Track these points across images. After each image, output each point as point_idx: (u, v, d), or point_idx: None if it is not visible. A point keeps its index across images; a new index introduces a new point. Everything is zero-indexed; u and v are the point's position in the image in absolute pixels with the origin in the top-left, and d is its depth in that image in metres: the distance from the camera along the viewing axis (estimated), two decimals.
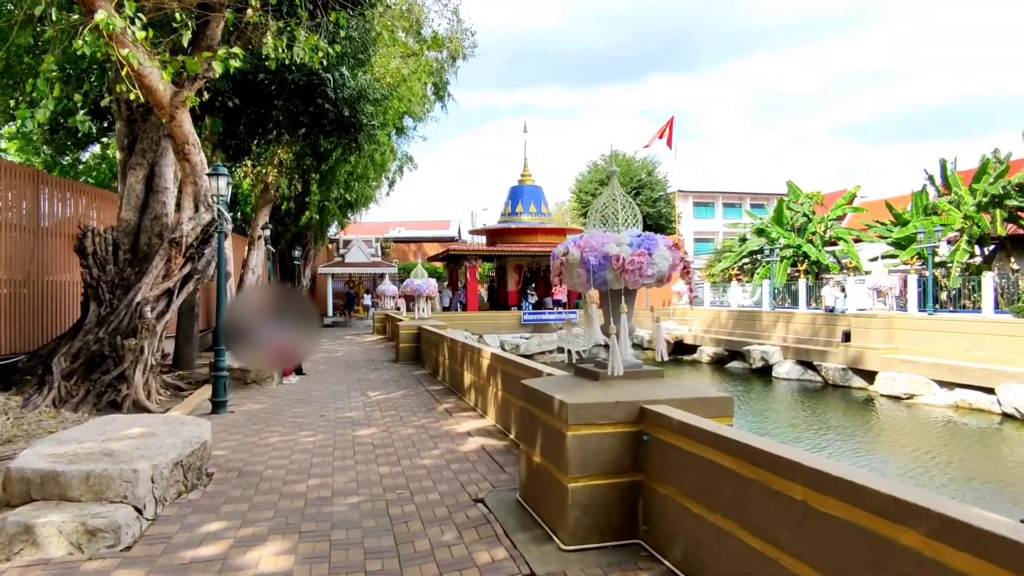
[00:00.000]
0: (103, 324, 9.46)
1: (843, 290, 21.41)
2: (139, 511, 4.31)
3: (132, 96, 7.76)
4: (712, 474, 3.12)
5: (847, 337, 18.61)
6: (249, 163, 20.23)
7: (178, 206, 11.14)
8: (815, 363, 19.68)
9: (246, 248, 19.01)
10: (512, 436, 6.74)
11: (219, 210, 8.69)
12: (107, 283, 9.78)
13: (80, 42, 6.74)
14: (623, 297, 4.09)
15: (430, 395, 10.13)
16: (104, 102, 10.91)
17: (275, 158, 18.86)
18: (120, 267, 10.08)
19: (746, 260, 30.69)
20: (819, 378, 19.69)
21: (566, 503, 3.69)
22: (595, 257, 3.96)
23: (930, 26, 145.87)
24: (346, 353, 17.95)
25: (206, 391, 10.82)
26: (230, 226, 10.58)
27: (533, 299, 29.00)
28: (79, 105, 11.19)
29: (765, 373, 21.29)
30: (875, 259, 25.28)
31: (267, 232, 17.36)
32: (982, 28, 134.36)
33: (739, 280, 30.17)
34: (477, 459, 6.03)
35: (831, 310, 20.30)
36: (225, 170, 8.76)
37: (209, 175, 8.66)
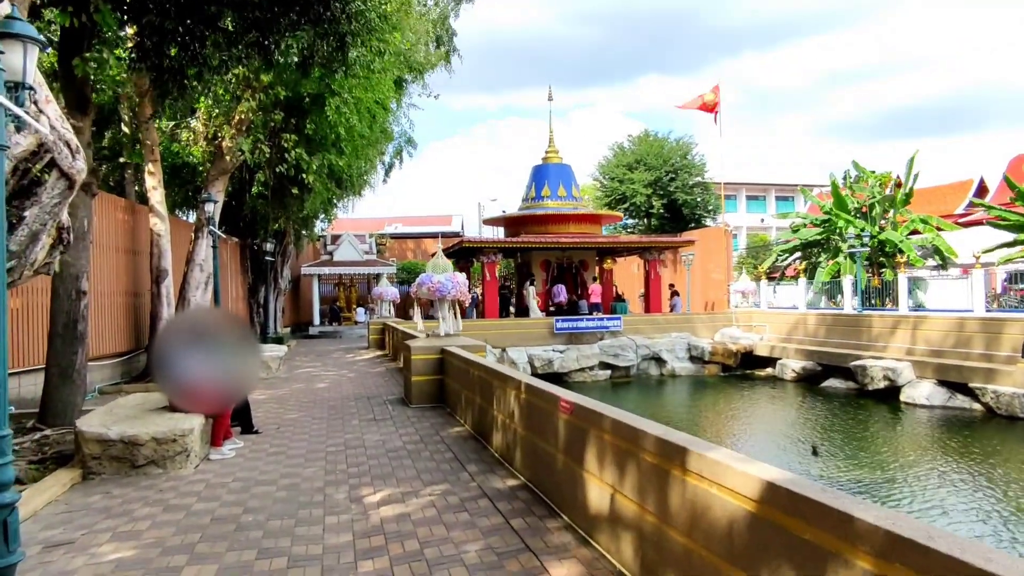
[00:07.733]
0: None
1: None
2: None
3: None
4: None
5: None
6: (200, 121, 14.90)
7: None
8: (972, 385, 14.49)
9: (192, 235, 13.65)
10: None
11: None
12: None
13: None
14: None
15: (500, 515, 4.81)
16: None
17: (232, 112, 13.51)
18: None
19: (798, 254, 26.40)
20: (977, 405, 14.49)
21: None
22: None
23: (913, 23, 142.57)
24: (332, 383, 12.61)
25: (65, 477, 5.52)
26: (80, 164, 5.18)
27: (535, 301, 23.07)
28: None
29: (887, 396, 16.08)
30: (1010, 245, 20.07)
31: (211, 208, 11.92)
32: (966, 25, 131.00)
33: (781, 278, 26.01)
34: None
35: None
36: (8, 6, 3.44)
37: None
